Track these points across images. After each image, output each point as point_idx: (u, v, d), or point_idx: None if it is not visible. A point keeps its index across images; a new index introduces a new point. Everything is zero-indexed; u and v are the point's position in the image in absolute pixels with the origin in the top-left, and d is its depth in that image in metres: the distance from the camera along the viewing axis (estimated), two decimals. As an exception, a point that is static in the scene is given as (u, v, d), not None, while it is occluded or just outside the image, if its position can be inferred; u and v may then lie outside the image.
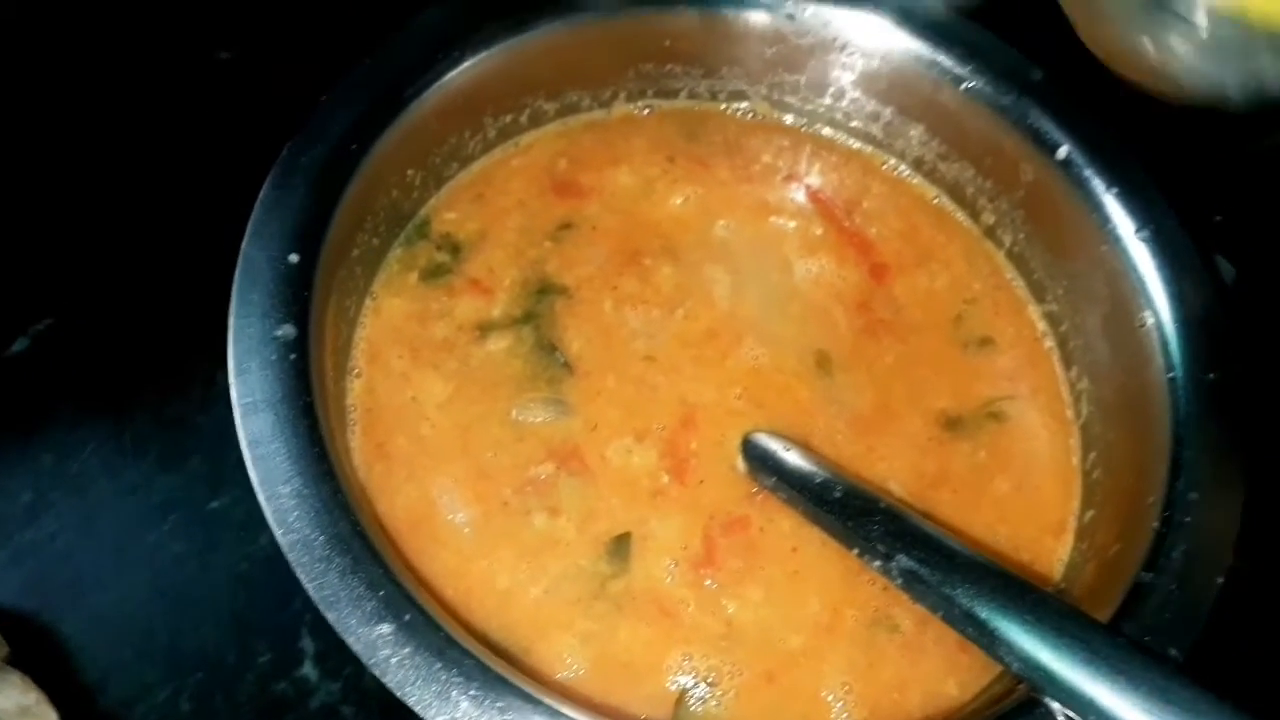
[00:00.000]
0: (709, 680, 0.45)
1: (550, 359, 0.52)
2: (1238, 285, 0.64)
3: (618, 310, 0.54)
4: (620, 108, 0.60)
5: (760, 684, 0.46)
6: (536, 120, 0.58)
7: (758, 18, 0.57)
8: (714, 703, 0.45)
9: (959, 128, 0.57)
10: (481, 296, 0.53)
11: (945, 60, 0.56)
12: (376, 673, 0.38)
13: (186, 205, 0.59)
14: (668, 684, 0.45)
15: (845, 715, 0.45)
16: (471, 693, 0.38)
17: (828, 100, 0.60)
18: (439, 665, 0.38)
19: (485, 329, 0.52)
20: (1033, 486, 0.52)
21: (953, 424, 0.53)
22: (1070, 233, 0.54)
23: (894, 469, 0.51)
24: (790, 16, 0.57)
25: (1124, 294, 0.51)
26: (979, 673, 0.46)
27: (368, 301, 0.53)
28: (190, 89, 0.64)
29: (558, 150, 0.58)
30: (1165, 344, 0.49)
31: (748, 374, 0.52)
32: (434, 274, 0.54)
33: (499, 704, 0.38)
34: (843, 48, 0.58)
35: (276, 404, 0.42)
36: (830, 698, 0.46)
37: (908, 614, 0.47)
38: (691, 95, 0.61)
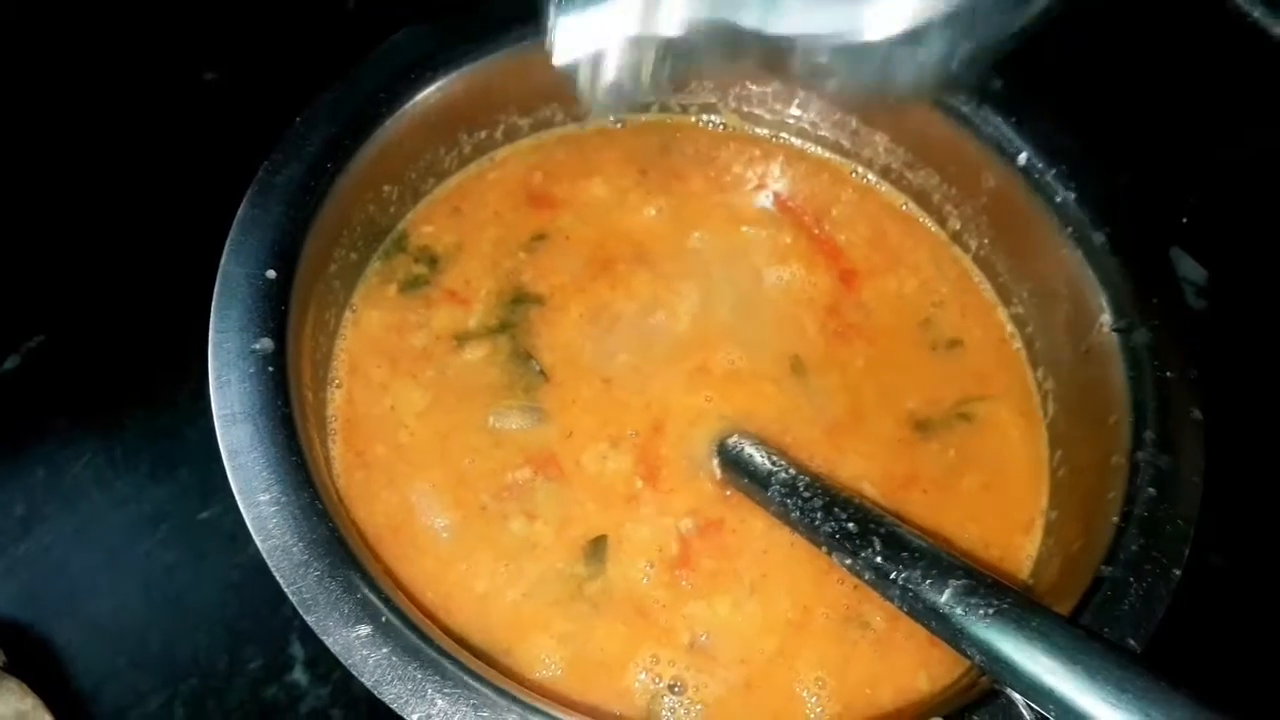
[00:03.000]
0: (684, 678, 0.46)
1: (526, 367, 0.52)
2: (1210, 287, 0.65)
3: (592, 318, 0.54)
4: (593, 121, 0.60)
5: (735, 681, 0.46)
6: (511, 135, 0.59)
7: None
8: (689, 699, 0.46)
9: (922, 136, 0.58)
10: (458, 307, 0.54)
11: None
12: (354, 672, 0.39)
13: (177, 222, 0.59)
14: (643, 682, 0.46)
15: (819, 710, 0.46)
16: (446, 690, 0.39)
17: (795, 110, 0.61)
18: (414, 664, 0.39)
19: (462, 338, 0.53)
20: (1002, 485, 0.52)
21: (923, 425, 0.53)
22: (1032, 237, 0.54)
23: (866, 469, 0.52)
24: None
25: (1084, 296, 0.52)
26: (949, 666, 0.47)
27: (347, 314, 0.53)
28: (177, 109, 0.64)
29: (532, 163, 0.59)
30: (1124, 343, 0.49)
31: (721, 379, 0.53)
32: (412, 286, 0.54)
33: (473, 700, 0.39)
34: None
35: (255, 415, 0.43)
36: (804, 693, 0.46)
37: (879, 611, 0.48)
38: (663, 109, 0.62)
